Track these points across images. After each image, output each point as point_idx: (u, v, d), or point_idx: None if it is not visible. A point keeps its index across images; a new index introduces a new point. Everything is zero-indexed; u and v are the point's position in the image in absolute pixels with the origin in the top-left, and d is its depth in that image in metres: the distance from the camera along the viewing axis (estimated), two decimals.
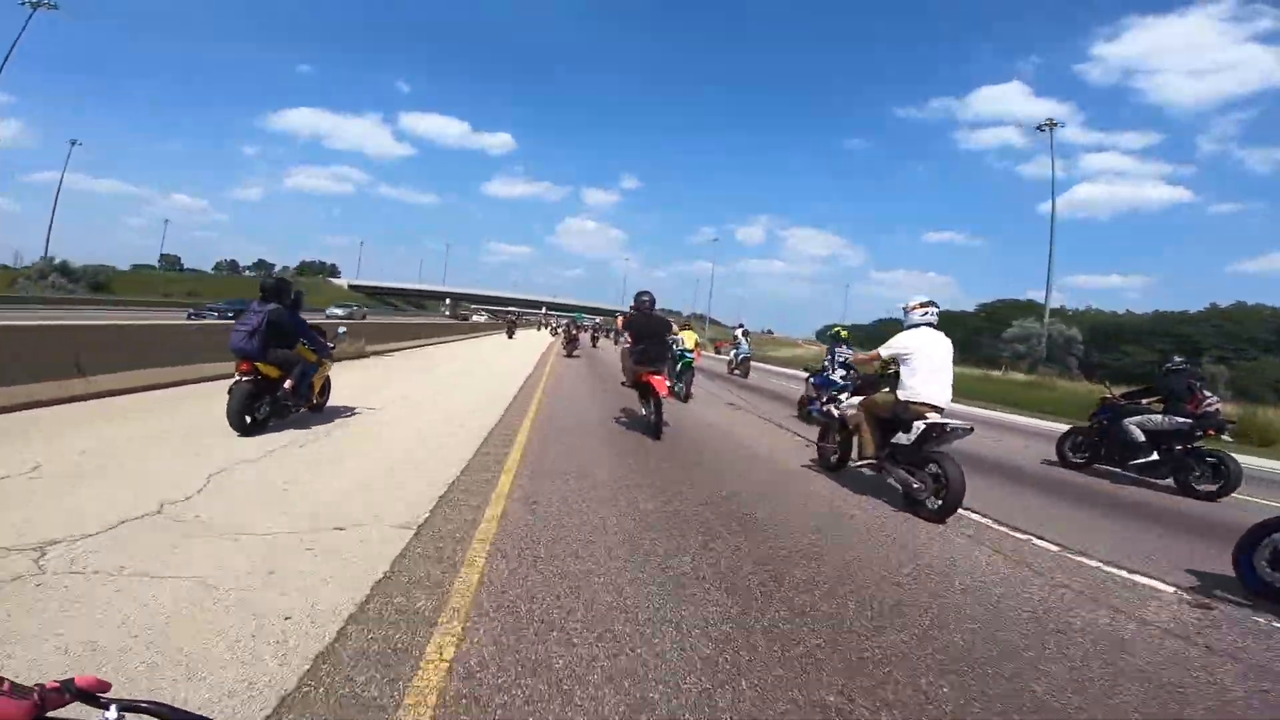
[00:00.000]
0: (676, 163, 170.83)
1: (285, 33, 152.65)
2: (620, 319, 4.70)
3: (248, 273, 52.17)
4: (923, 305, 3.08)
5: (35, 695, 0.35)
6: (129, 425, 2.77)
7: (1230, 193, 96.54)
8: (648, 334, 4.15)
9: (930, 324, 3.07)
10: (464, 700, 0.95)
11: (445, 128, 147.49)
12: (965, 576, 1.86)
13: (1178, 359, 4.66)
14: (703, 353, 8.48)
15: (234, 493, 1.90)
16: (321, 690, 0.91)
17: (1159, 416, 4.26)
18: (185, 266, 54.60)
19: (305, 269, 66.26)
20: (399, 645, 1.08)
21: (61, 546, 1.26)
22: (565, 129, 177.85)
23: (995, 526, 2.58)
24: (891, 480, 2.97)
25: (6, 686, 0.36)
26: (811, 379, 6.01)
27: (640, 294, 4.42)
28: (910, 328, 3.08)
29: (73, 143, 35.48)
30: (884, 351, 3.11)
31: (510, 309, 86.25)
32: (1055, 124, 19.42)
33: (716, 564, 1.78)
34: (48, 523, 1.43)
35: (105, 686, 0.38)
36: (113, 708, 0.37)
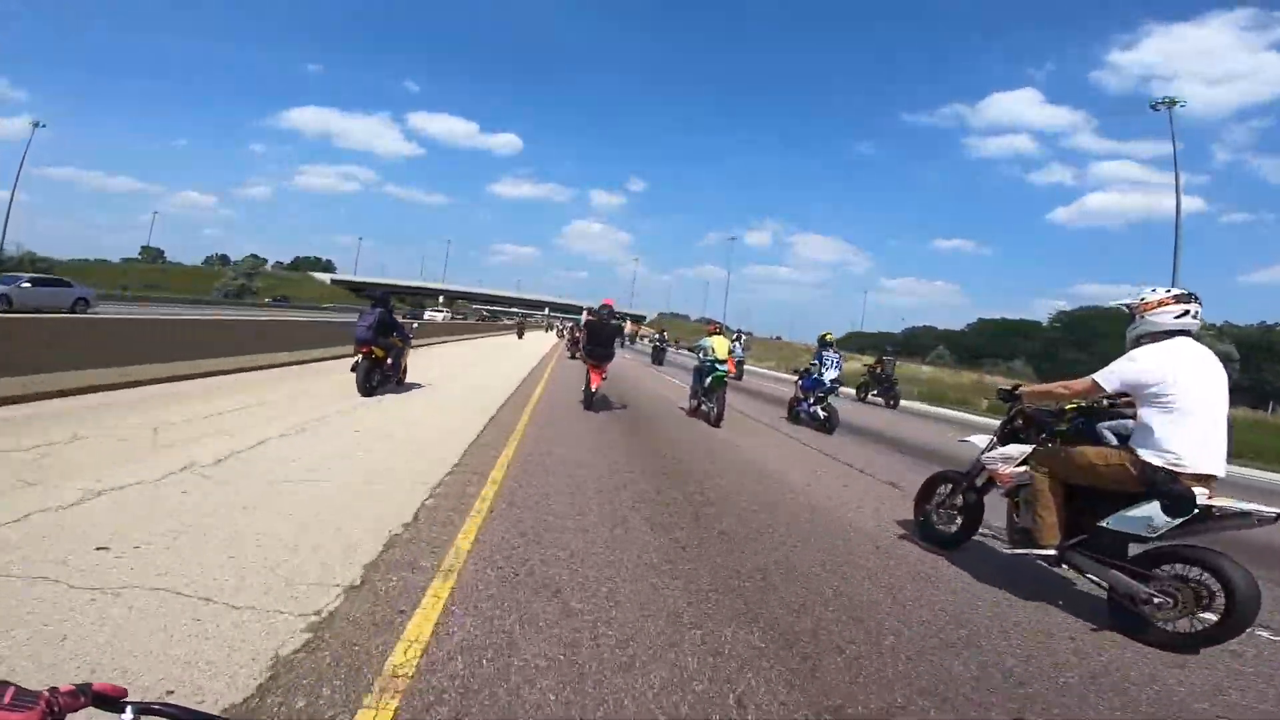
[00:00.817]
0: (683, 166, 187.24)
1: (294, 32, 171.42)
2: (585, 316, 6.47)
3: (236, 266, 55.33)
4: (1177, 299, 1.94)
5: (42, 702, 0.37)
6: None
7: (1243, 202, 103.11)
8: (600, 338, 5.84)
9: (1190, 333, 1.95)
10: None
11: (453, 128, 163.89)
12: None
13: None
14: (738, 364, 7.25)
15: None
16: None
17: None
18: (170, 260, 58.69)
19: (300, 264, 69.76)
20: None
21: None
22: (572, 131, 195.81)
23: None
24: (1092, 577, 2.00)
25: (9, 697, 0.37)
26: (800, 381, 6.98)
27: (602, 305, 6.21)
28: (1148, 338, 1.96)
29: (36, 124, 34.25)
30: (1109, 381, 1.96)
31: (512, 309, 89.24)
32: (1175, 102, 16.43)
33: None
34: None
35: (121, 692, 0.40)
36: (129, 710, 0.40)
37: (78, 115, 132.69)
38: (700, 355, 6.05)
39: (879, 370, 11.17)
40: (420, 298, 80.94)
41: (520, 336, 24.26)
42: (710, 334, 6.25)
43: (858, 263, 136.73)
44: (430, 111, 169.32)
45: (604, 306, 6.15)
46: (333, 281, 65.00)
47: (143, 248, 65.88)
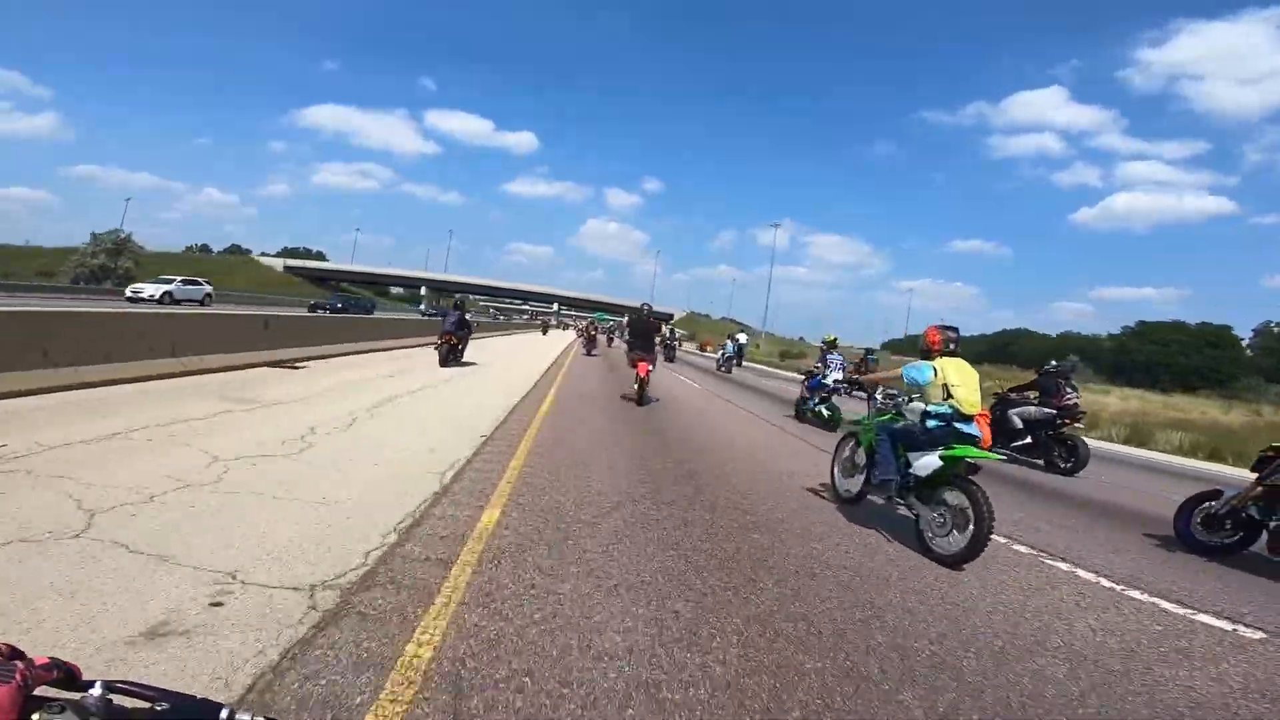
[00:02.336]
0: (700, 166, 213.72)
1: (310, 29, 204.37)
2: (626, 319, 10.08)
3: (100, 239, 57.78)
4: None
5: (17, 675, 0.44)
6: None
7: (1275, 204, 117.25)
8: (640, 333, 8.42)
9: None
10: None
11: (470, 126, 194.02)
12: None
13: (1054, 363, 8.28)
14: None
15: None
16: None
17: (1033, 408, 7.65)
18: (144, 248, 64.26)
19: (286, 254, 76.34)
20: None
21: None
22: (589, 129, 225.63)
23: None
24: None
25: None
26: (806, 382, 9.11)
27: (643, 305, 9.29)
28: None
29: None
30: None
31: (514, 301, 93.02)
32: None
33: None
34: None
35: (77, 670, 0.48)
36: (98, 685, 0.48)
37: (100, 113, 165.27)
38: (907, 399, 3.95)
39: (863, 370, 14.25)
40: (389, 288, 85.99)
41: (545, 334, 32.68)
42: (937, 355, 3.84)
43: (874, 264, 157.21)
44: (447, 109, 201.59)
45: (644, 305, 8.93)
46: (287, 269, 65.05)
47: (92, 234, 71.43)
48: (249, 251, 79.18)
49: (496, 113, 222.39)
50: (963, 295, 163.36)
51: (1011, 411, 7.55)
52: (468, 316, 10.37)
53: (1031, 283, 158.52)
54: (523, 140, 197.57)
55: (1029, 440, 7.36)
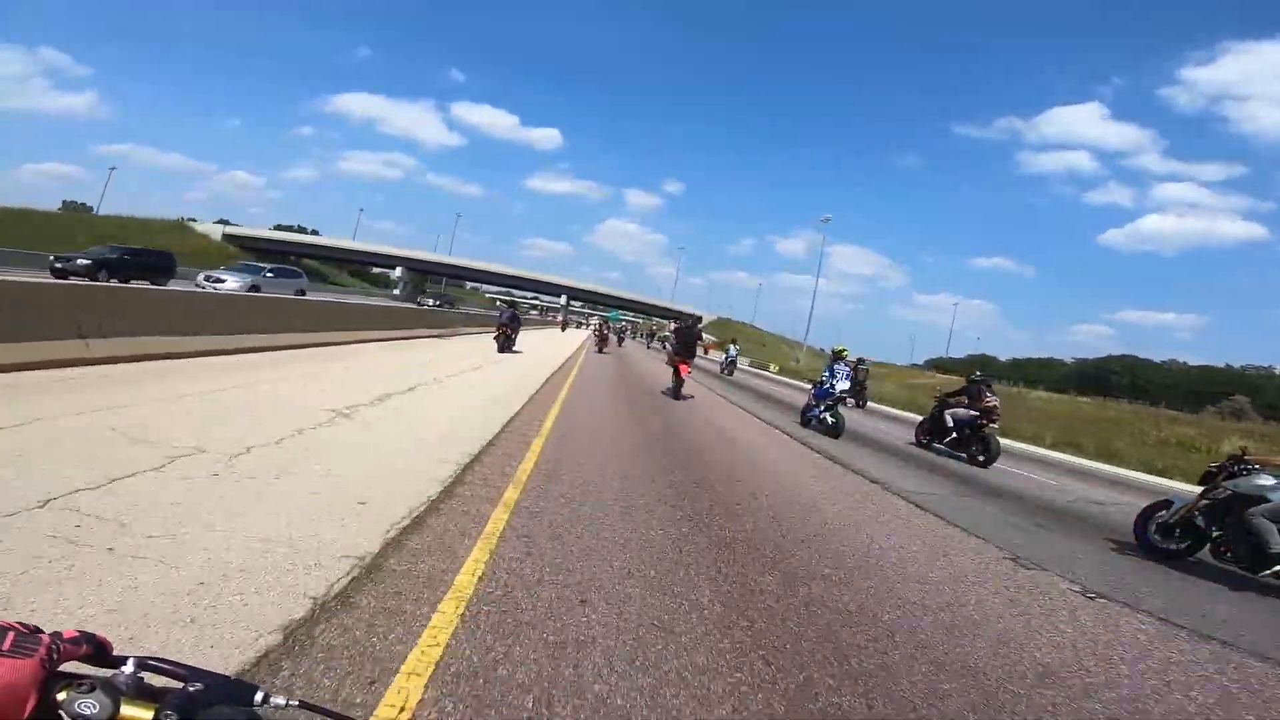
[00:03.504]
0: (722, 171, 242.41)
1: (345, 14, 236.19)
2: (673, 326, 14.77)
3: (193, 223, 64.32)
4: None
5: (43, 649, 0.50)
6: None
7: None
8: (686, 342, 12.57)
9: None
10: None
11: (496, 120, 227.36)
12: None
13: (979, 372, 12.64)
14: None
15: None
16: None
17: (961, 410, 11.67)
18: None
19: (281, 230, 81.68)
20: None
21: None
22: (613, 129, 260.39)
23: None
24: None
25: (8, 643, 0.49)
26: (814, 390, 11.59)
27: (688, 316, 14.16)
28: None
29: None
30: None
31: (525, 292, 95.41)
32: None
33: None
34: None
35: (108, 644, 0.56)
36: (130, 663, 0.55)
37: (136, 92, 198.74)
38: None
39: (856, 377, 18.98)
40: (379, 267, 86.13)
41: (563, 330, 44.80)
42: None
43: (892, 277, 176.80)
44: (474, 102, 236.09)
45: (689, 316, 13.71)
46: (225, 237, 66.23)
47: (64, 202, 74.30)
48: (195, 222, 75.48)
49: (523, 108, 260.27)
50: (981, 312, 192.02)
51: (946, 412, 10.92)
52: (517, 313, 16.41)
53: (1052, 303, 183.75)
54: (547, 136, 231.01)
55: (956, 436, 10.61)
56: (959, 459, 10.39)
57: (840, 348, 11.90)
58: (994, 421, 10.53)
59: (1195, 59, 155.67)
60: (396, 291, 66.72)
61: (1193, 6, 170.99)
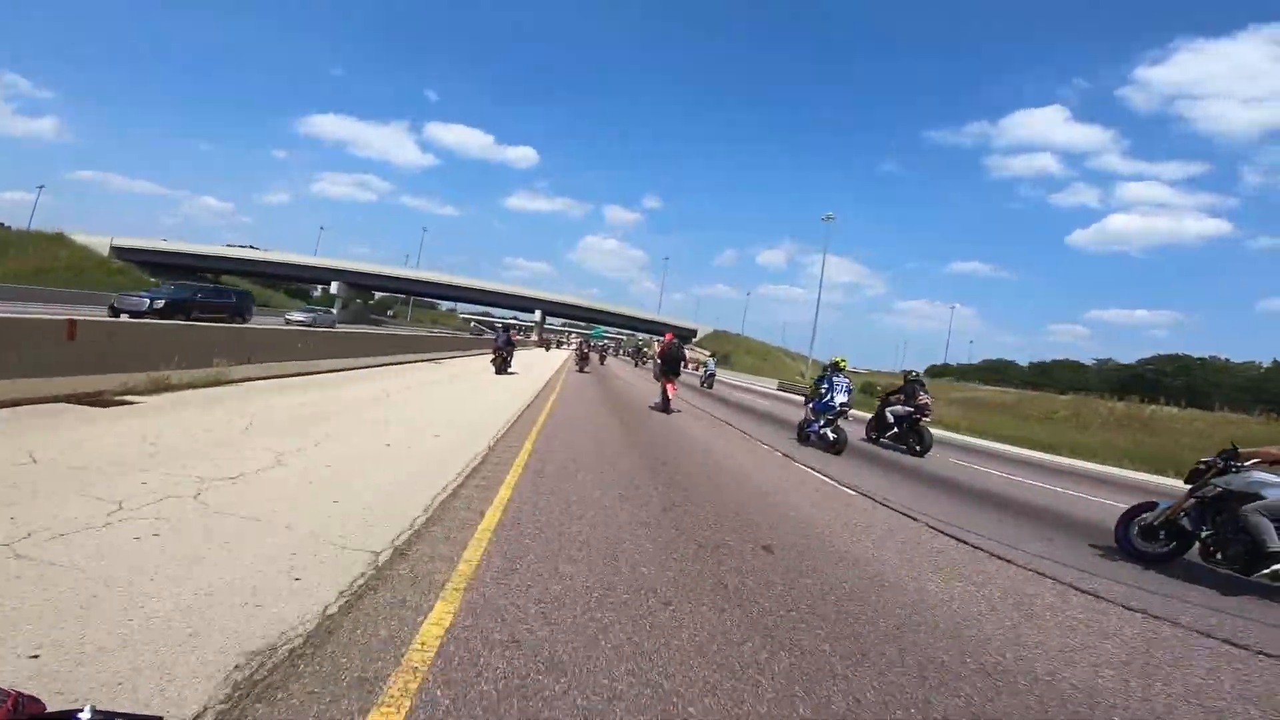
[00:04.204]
0: (701, 185, 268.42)
1: (317, 35, 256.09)
2: (658, 346, 18.82)
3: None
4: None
5: (9, 703, 0.62)
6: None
7: (1274, 226, 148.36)
8: (669, 360, 16.13)
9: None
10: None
11: (470, 139, 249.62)
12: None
13: (915, 372, 16.59)
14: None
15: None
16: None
17: (900, 406, 15.57)
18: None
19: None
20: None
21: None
22: (590, 146, 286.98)
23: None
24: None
25: None
26: (810, 404, 12.45)
27: (670, 336, 18.23)
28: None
29: None
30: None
31: (501, 310, 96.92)
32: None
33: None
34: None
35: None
36: (86, 710, 0.66)
37: (101, 117, 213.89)
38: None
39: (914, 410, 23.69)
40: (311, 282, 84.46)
41: (547, 350, 51.86)
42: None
43: (872, 284, 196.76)
44: (446, 122, 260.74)
45: (672, 340, 16.21)
46: (116, 251, 61.81)
47: None
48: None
49: (497, 126, 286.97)
50: (960, 316, 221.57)
51: (886, 410, 13.93)
52: (512, 335, 21.10)
53: (1029, 305, 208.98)
54: (523, 154, 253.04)
55: (896, 430, 13.52)
56: (897, 450, 13.30)
57: (839, 359, 12.79)
58: (926, 416, 13.60)
59: (1150, 58, 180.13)
60: (334, 310, 62.65)
61: (1144, 6, 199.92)
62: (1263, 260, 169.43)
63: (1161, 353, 78.97)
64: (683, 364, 16.56)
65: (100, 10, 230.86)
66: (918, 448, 12.95)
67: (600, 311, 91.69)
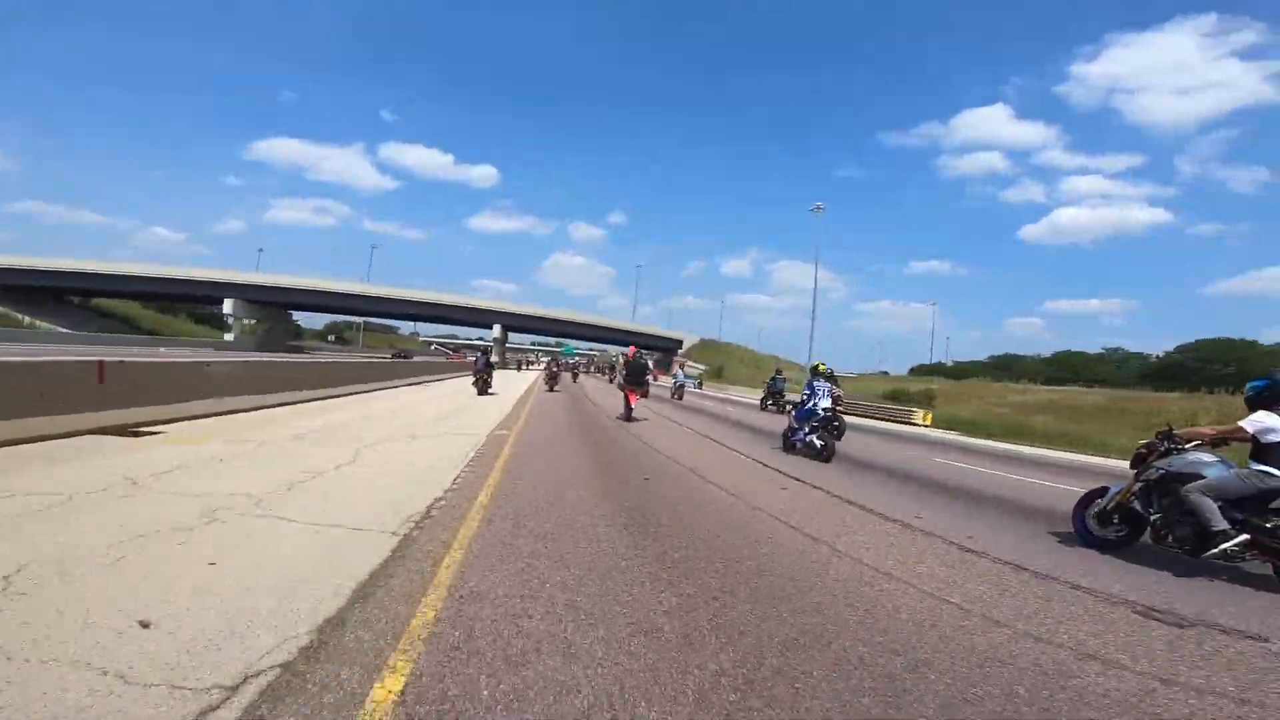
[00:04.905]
0: (662, 199, 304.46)
1: (267, 57, 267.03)
2: (621, 359, 26.21)
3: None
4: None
5: None
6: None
7: (1211, 213, 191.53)
8: (634, 371, 20.18)
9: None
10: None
11: (429, 159, 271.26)
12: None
13: (827, 366, 20.98)
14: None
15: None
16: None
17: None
18: None
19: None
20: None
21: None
22: (552, 163, 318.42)
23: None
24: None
25: None
26: (794, 411, 13.98)
27: (636, 348, 23.48)
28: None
29: None
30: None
31: (458, 328, 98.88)
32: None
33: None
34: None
35: None
36: None
37: (41, 146, 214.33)
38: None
39: (778, 384, 29.37)
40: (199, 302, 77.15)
41: (519, 370, 63.80)
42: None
43: (836, 288, 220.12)
44: (404, 142, 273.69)
45: (638, 349, 22.82)
46: None
47: None
48: None
49: (456, 145, 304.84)
50: (921, 314, 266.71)
51: (766, 398, 27.91)
52: (491, 359, 26.22)
53: (987, 300, 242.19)
54: (484, 174, 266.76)
55: (770, 402, 26.46)
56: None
57: (820, 364, 14.31)
58: (839, 404, 16.40)
59: (1083, 55, 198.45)
60: (230, 337, 58.52)
61: (1072, 1, 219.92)
62: (1203, 247, 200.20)
63: (1201, 338, 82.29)
64: (649, 376, 19.46)
65: (37, 29, 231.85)
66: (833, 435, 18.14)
67: (570, 323, 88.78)
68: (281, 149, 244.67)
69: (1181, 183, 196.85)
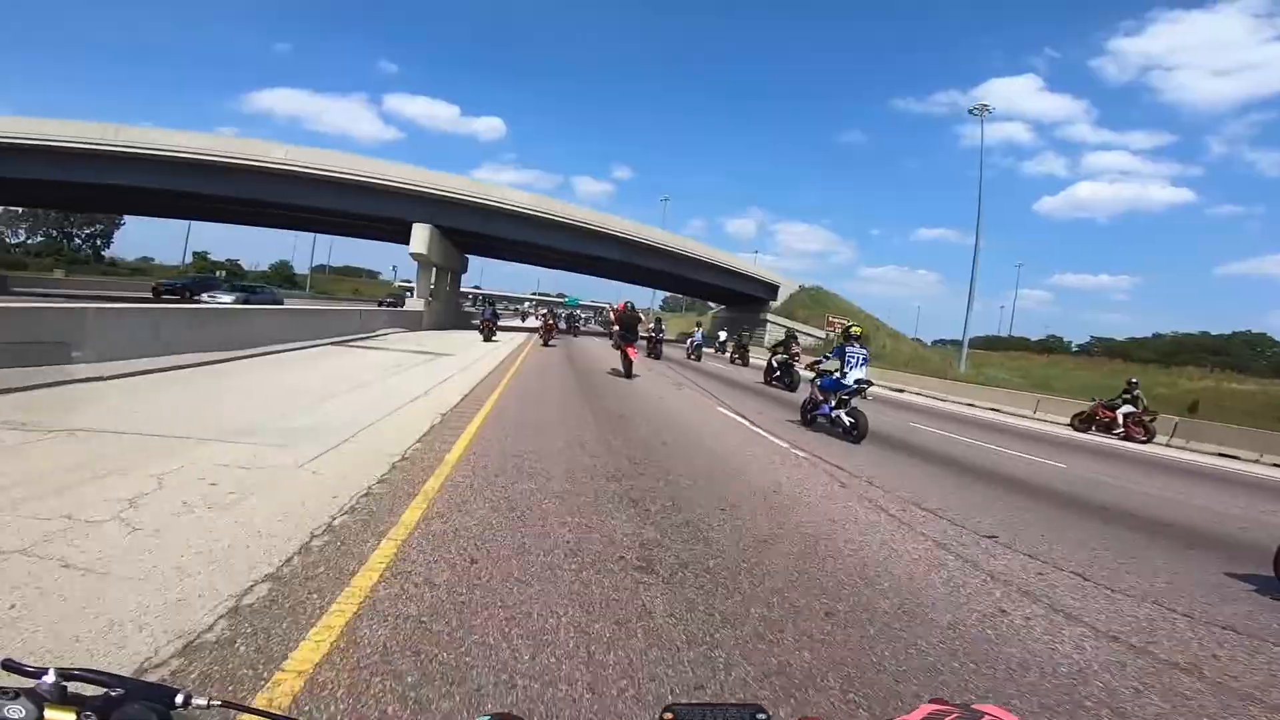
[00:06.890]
0: (669, 155, 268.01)
1: (262, 8, 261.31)
2: (613, 314, 27.69)
3: None
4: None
5: None
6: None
7: (1234, 195, 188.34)
8: (627, 326, 21.54)
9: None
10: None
11: (434, 111, 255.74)
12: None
13: (790, 330, 31.22)
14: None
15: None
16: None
17: (780, 355, 24.75)
18: None
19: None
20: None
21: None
22: (558, 115, 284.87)
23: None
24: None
25: None
26: (818, 381, 11.96)
27: (627, 302, 23.32)
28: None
29: None
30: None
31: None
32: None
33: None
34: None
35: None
36: (51, 672, 0.75)
37: (40, 99, 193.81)
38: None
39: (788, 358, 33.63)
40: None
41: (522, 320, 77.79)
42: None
43: (841, 251, 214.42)
44: (410, 93, 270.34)
45: (629, 303, 22.30)
46: None
47: None
48: None
49: (462, 97, 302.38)
50: (924, 281, 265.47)
51: (773, 358, 23.93)
52: (496, 310, 33.96)
53: (994, 270, 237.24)
54: (490, 126, 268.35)
55: (778, 373, 23.20)
56: (779, 388, 21.10)
57: (853, 326, 12.47)
58: (797, 360, 21.37)
59: (1125, 29, 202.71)
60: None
61: None
62: (1222, 227, 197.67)
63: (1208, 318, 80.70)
64: (641, 328, 21.46)
65: None
66: (787, 381, 21.10)
67: (591, 231, 43.50)
68: (280, 100, 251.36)
69: (1208, 163, 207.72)
